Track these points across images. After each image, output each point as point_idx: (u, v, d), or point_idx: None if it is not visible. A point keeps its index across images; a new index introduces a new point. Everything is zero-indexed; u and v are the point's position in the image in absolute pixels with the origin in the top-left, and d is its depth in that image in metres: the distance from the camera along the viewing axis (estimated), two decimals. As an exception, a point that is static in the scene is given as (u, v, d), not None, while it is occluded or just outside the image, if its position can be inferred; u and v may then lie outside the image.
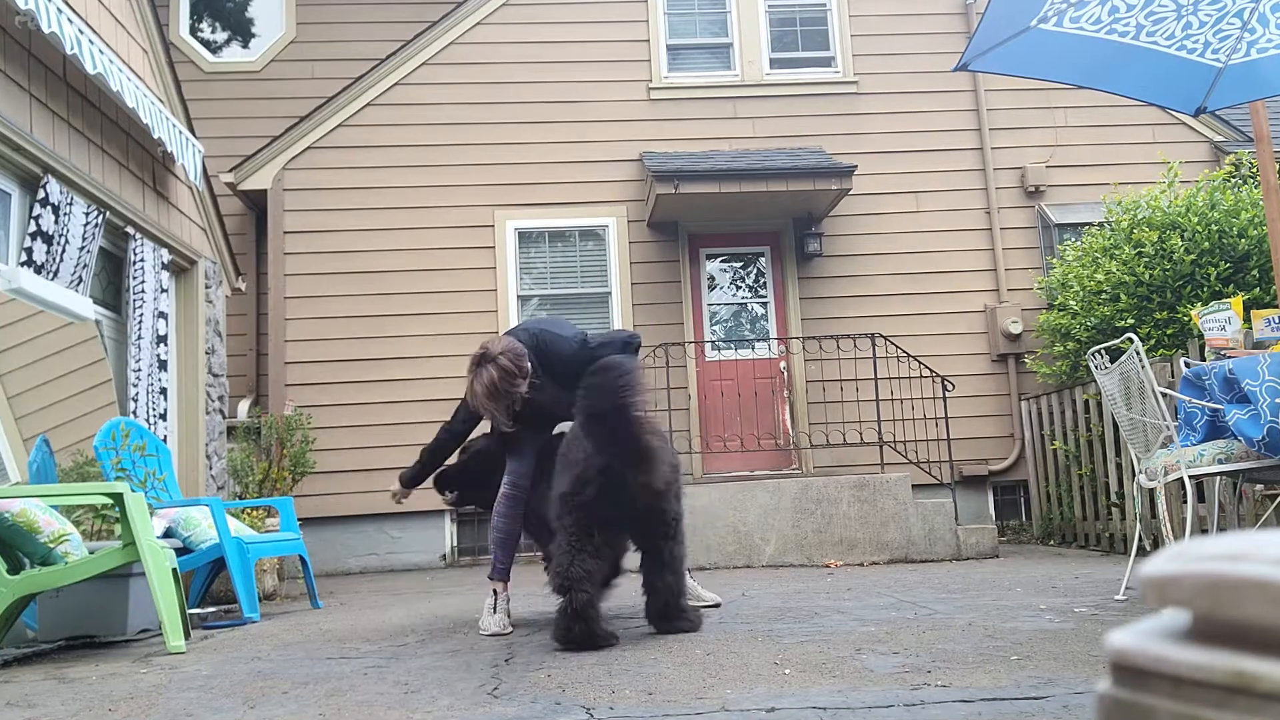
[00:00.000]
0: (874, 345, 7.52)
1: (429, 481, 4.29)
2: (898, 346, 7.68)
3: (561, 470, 3.47)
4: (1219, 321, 4.21)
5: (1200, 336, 4.64)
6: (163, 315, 6.20)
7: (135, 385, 5.76)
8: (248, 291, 8.45)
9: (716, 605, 4.17)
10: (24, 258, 4.68)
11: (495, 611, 3.83)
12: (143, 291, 5.88)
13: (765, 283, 8.61)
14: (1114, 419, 5.41)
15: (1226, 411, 3.53)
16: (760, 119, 8.69)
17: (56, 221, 4.92)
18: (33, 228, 4.76)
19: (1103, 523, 6.70)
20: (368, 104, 8.39)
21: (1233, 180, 7.49)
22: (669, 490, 3.42)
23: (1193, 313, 4.52)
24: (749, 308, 8.64)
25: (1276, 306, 5.04)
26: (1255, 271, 6.45)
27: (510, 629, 3.78)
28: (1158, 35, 3.70)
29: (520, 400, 3.71)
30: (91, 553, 3.64)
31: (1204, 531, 5.15)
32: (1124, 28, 3.65)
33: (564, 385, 3.71)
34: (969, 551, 6.51)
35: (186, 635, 3.66)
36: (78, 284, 5.10)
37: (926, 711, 2.11)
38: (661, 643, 3.23)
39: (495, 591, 3.89)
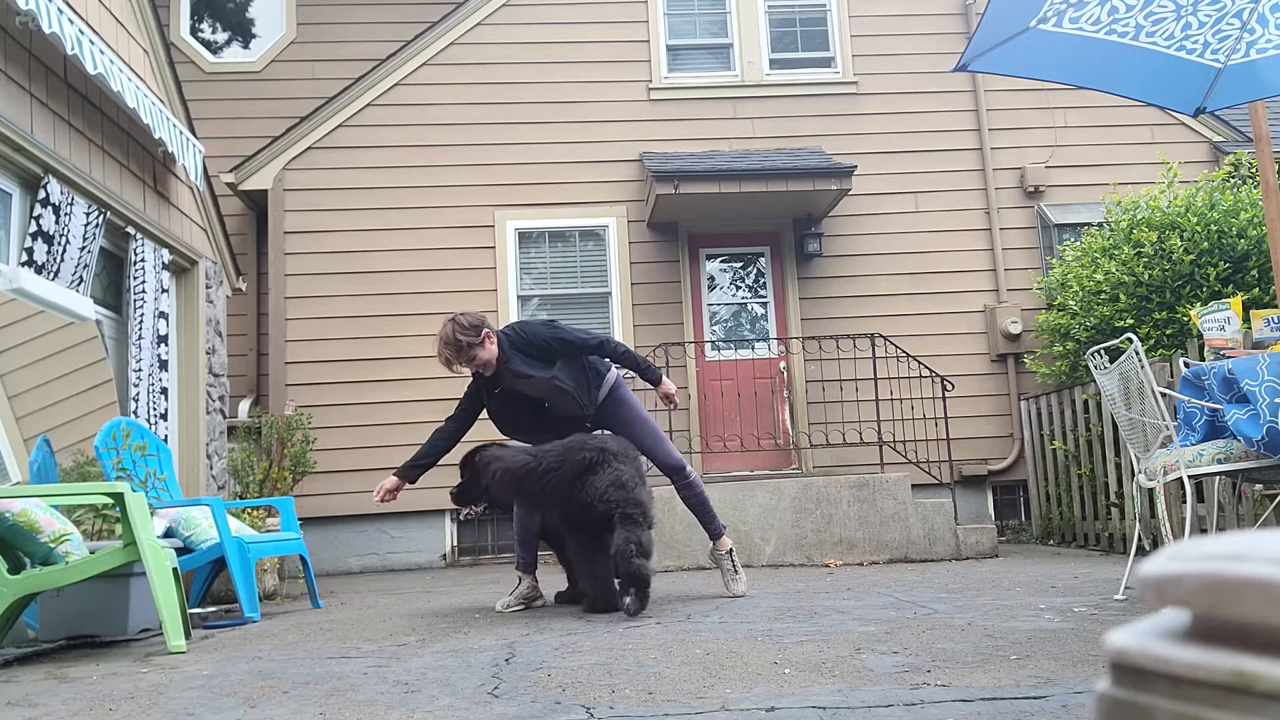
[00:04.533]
0: (874, 345, 7.52)
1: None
2: (897, 346, 7.68)
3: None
4: (1218, 321, 4.22)
5: (1199, 336, 4.64)
6: (163, 315, 6.20)
7: (136, 385, 5.76)
8: (248, 291, 8.45)
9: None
10: (24, 258, 4.68)
11: (510, 593, 4.50)
12: (143, 291, 5.89)
13: (765, 283, 8.61)
14: (1113, 419, 5.42)
15: (1226, 411, 3.54)
16: (760, 119, 8.69)
17: (57, 222, 4.93)
18: (33, 228, 4.76)
19: (1102, 522, 6.70)
20: (368, 104, 8.39)
21: (1232, 180, 7.49)
22: None
23: (1192, 313, 4.52)
24: (749, 308, 8.64)
25: (1276, 306, 5.04)
26: (1254, 271, 6.46)
27: (514, 608, 4.39)
28: (1157, 36, 3.71)
29: (502, 379, 4.29)
30: (92, 552, 3.64)
31: (1203, 531, 5.16)
32: (1123, 28, 3.66)
33: (545, 364, 4.22)
34: (968, 551, 6.52)
35: (187, 635, 3.66)
36: (78, 284, 5.11)
37: (926, 711, 2.11)
38: (661, 643, 3.24)
39: (519, 579, 4.51)
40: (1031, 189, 8.67)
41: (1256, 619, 0.59)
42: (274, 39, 9.58)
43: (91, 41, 4.98)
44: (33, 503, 3.69)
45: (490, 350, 4.20)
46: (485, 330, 4.20)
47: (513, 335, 4.27)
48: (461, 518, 4.49)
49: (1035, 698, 2.20)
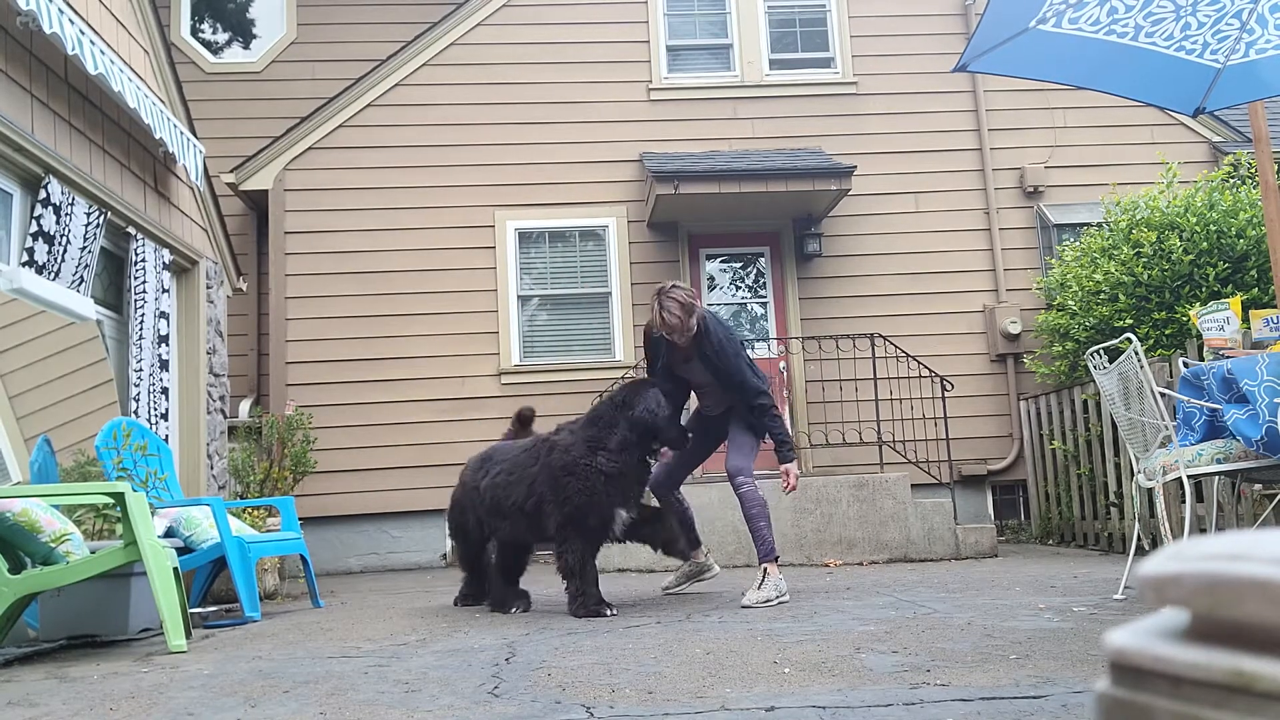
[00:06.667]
0: (873, 345, 7.51)
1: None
2: (897, 346, 7.68)
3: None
4: (1217, 321, 4.22)
5: (1199, 336, 4.65)
6: (164, 315, 6.20)
7: (137, 385, 5.76)
8: (249, 291, 8.46)
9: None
10: (25, 258, 4.68)
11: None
12: (144, 291, 5.89)
13: (765, 283, 8.62)
14: (1112, 419, 5.42)
15: (1225, 411, 3.54)
16: (760, 119, 8.70)
17: (58, 222, 4.93)
18: (34, 228, 4.76)
19: (1101, 522, 6.70)
20: (368, 104, 8.39)
21: (1231, 180, 7.50)
22: None
23: (1191, 313, 4.53)
24: (749, 308, 8.65)
25: (1275, 306, 5.04)
26: (1253, 272, 6.46)
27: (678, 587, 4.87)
28: (1156, 36, 3.71)
29: (684, 357, 4.47)
30: (93, 552, 3.65)
31: (1202, 531, 5.16)
32: (1123, 29, 3.66)
33: (710, 370, 4.43)
34: (968, 551, 6.52)
35: (188, 634, 3.66)
36: (79, 284, 5.11)
37: (925, 710, 2.12)
38: (661, 642, 3.24)
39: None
40: (1031, 189, 8.67)
41: (1256, 619, 0.59)
42: (274, 39, 9.58)
43: (92, 42, 4.98)
44: (33, 502, 3.69)
45: (694, 325, 4.38)
46: (699, 312, 4.40)
47: (713, 324, 4.44)
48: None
49: (1034, 697, 2.20)
